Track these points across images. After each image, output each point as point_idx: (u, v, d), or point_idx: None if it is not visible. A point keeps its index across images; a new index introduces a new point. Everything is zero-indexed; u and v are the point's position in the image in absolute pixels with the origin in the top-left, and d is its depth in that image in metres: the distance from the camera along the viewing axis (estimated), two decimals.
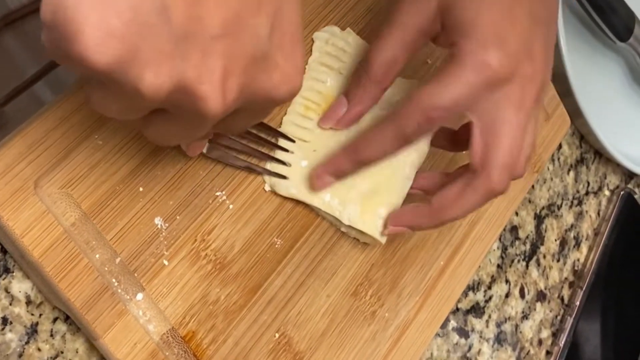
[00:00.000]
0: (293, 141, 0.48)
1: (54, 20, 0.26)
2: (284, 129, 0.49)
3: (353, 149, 0.47)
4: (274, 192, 0.48)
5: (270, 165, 0.48)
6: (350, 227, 0.49)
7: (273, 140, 0.48)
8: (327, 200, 0.49)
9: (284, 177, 0.48)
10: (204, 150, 0.44)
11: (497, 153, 0.43)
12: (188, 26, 0.28)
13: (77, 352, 0.43)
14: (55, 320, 0.43)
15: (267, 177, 0.48)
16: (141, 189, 0.43)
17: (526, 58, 0.43)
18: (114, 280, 0.41)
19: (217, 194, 0.46)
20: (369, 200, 0.49)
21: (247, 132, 0.47)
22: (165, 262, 0.43)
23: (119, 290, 0.41)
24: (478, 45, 0.42)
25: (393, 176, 0.50)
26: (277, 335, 0.47)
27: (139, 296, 0.42)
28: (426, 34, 0.45)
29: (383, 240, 0.50)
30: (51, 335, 0.42)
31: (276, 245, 0.48)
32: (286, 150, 0.48)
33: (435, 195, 0.46)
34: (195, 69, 0.29)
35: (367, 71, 0.47)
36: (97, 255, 0.41)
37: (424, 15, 0.44)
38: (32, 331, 0.42)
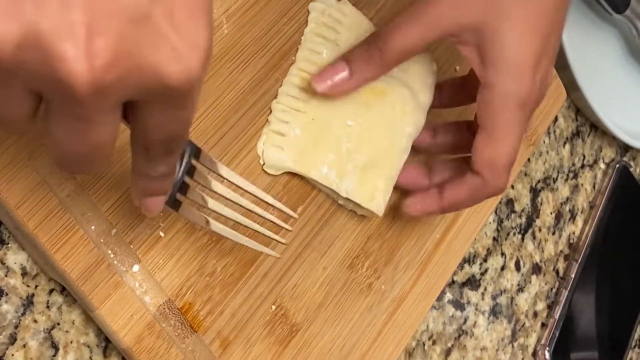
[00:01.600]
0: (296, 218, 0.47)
1: None
2: (280, 100, 0.48)
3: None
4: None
5: (266, 141, 0.47)
6: (347, 199, 0.49)
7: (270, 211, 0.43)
8: (325, 172, 0.48)
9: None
10: (180, 211, 0.38)
11: (501, 160, 0.47)
12: None
13: (73, 323, 0.43)
14: (51, 291, 0.42)
15: (261, 155, 0.48)
16: None
17: (537, 81, 0.46)
18: (109, 251, 0.41)
19: None
20: (366, 172, 0.49)
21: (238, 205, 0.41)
22: (162, 234, 0.43)
23: (115, 262, 0.41)
24: (507, 77, 0.45)
25: (390, 148, 0.50)
26: (273, 307, 0.47)
27: (135, 268, 0.42)
28: (452, 37, 0.45)
29: (381, 212, 0.50)
30: (47, 307, 0.42)
31: None
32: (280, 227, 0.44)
33: (447, 191, 0.49)
34: (51, 19, 0.23)
35: (381, 50, 0.46)
36: (93, 227, 0.40)
37: (458, 24, 0.45)
38: (28, 303, 0.42)
